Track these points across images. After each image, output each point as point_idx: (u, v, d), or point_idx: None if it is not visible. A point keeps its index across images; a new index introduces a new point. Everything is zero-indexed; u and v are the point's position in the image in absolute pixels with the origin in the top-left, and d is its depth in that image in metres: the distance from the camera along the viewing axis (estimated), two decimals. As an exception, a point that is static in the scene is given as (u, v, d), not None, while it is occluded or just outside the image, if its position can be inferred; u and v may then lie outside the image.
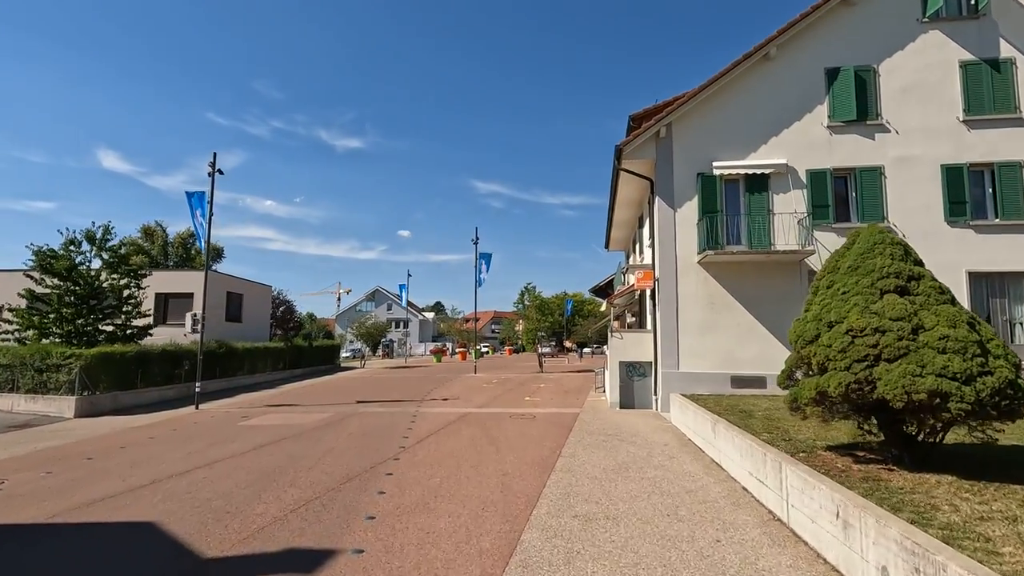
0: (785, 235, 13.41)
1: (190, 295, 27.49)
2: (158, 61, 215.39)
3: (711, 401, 11.11)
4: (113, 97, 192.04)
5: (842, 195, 13.78)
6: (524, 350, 72.63)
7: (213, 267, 58.55)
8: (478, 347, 71.12)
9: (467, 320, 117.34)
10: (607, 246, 28.08)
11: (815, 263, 13.37)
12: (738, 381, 13.37)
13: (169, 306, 27.92)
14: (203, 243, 16.56)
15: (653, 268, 14.34)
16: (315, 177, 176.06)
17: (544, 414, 13.75)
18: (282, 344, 28.04)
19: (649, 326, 16.25)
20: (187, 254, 53.53)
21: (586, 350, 69.96)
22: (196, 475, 7.89)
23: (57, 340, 18.73)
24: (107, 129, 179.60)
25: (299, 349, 29.94)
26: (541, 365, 29.61)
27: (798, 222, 13.41)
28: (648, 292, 16.65)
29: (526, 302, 28.37)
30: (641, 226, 18.58)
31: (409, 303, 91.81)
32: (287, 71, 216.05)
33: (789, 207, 13.58)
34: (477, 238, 28.83)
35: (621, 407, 14.44)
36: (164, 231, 53.66)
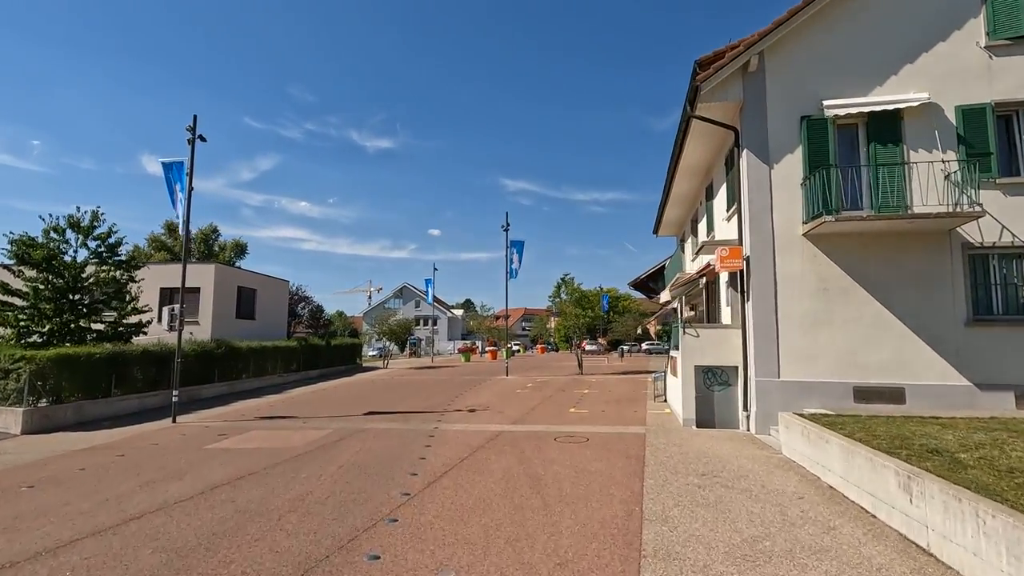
0: (923, 194, 9.87)
1: (196, 290, 25.29)
2: (198, 68, 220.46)
3: (847, 426, 7.73)
4: (156, 104, 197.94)
5: (1009, 139, 10.14)
6: (558, 348, 69.29)
7: (236, 263, 57.15)
8: (509, 345, 67.90)
9: (497, 317, 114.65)
10: (656, 231, 24.63)
11: (972, 233, 9.80)
12: (864, 394, 9.91)
13: (175, 301, 25.77)
14: (182, 222, 13.89)
15: (740, 244, 10.98)
16: (347, 178, 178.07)
17: (599, 435, 10.57)
18: (295, 343, 25.54)
19: (726, 319, 12.86)
20: (209, 250, 52.14)
21: (625, 348, 66.38)
22: (64, 558, 5.01)
23: (39, 340, 16.51)
24: (150, 135, 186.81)
25: (315, 349, 27.43)
26: (581, 366, 26.38)
27: (945, 177, 9.85)
28: (723, 278, 13.27)
29: (563, 295, 25.47)
30: (710, 197, 15.16)
31: (438, 300, 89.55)
32: (319, 75, 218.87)
33: (931, 157, 10.02)
34: (508, 224, 25.79)
35: (698, 425, 11.14)
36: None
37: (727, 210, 12.73)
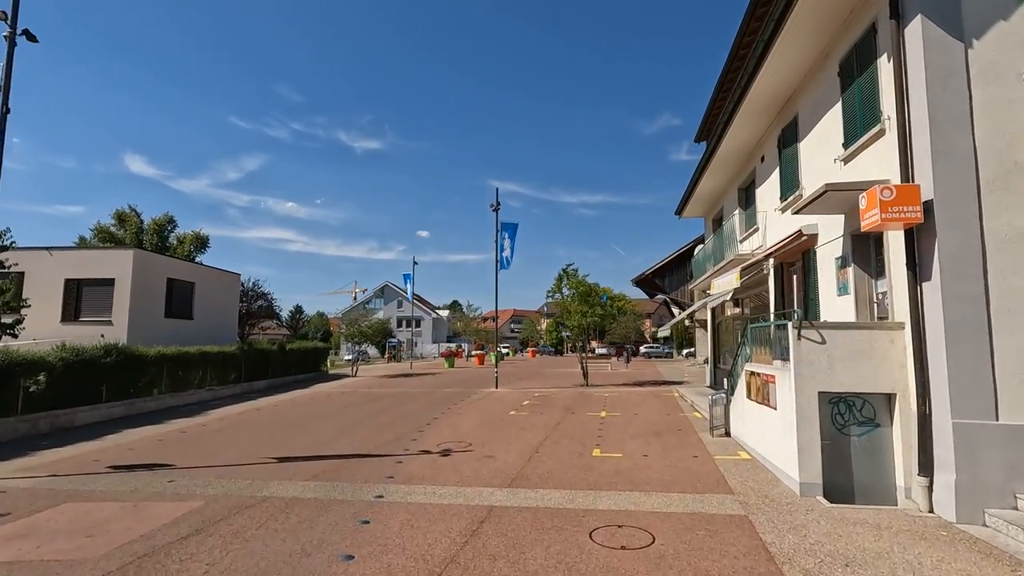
0: None
1: (110, 282, 20.30)
2: (183, 66, 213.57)
3: None
4: (140, 103, 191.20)
5: None
6: (559, 351, 64.50)
7: (197, 259, 51.85)
8: (498, 349, 62.66)
9: (485, 319, 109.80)
10: (681, 210, 20.12)
11: None
12: None
13: (83, 296, 20.75)
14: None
15: (906, 182, 6.37)
16: (335, 178, 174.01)
17: (667, 520, 5.90)
18: (234, 349, 20.60)
19: (832, 313, 8.30)
20: (163, 243, 46.77)
21: (641, 350, 62.02)
22: None
23: None
24: (134, 134, 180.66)
25: (262, 355, 22.49)
26: (586, 376, 21.73)
27: None
28: (825, 253, 8.72)
29: (564, 290, 21.17)
30: (792, 141, 10.53)
31: (422, 300, 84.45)
32: (307, 74, 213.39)
33: None
34: (497, 203, 21.11)
35: (827, 496, 6.52)
36: (139, 216, 46.98)
37: (850, 142, 8.11)
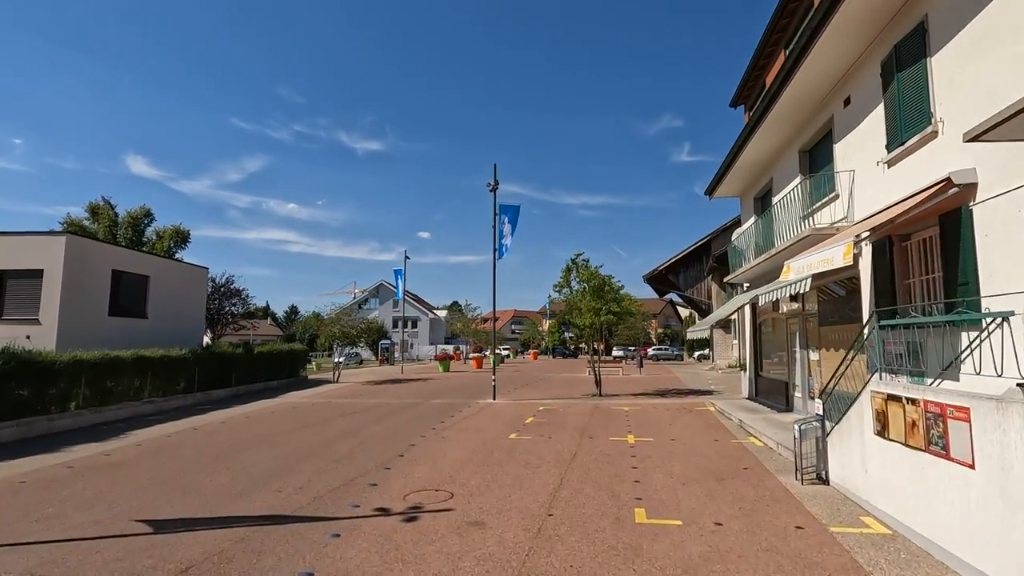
0: None
1: (37, 273, 17.21)
2: (185, 68, 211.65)
3: None
4: (142, 104, 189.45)
5: None
6: (567, 353, 61.22)
7: (177, 255, 49.05)
8: (497, 351, 58.28)
9: (484, 319, 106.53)
10: (712, 190, 16.99)
11: None
12: None
13: (7, 290, 17.62)
14: None
15: None
16: (336, 180, 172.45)
17: None
18: (185, 353, 17.47)
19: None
20: (138, 237, 43.68)
21: (621, 353, 58.38)
22: None
23: None
24: (136, 135, 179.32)
25: (223, 360, 19.37)
26: (599, 384, 18.53)
27: None
28: (965, 219, 5.55)
29: (573, 284, 18.22)
30: (908, 61, 7.34)
31: (419, 300, 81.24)
32: (309, 75, 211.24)
33: None
34: (496, 182, 17.98)
35: None
36: (112, 209, 43.91)
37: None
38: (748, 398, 15.99)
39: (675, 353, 54.78)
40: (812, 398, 11.11)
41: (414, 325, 72.03)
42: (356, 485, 7.41)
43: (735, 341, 31.06)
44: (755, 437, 10.40)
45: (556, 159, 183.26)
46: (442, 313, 73.02)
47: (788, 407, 12.81)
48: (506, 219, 17.87)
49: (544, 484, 7.36)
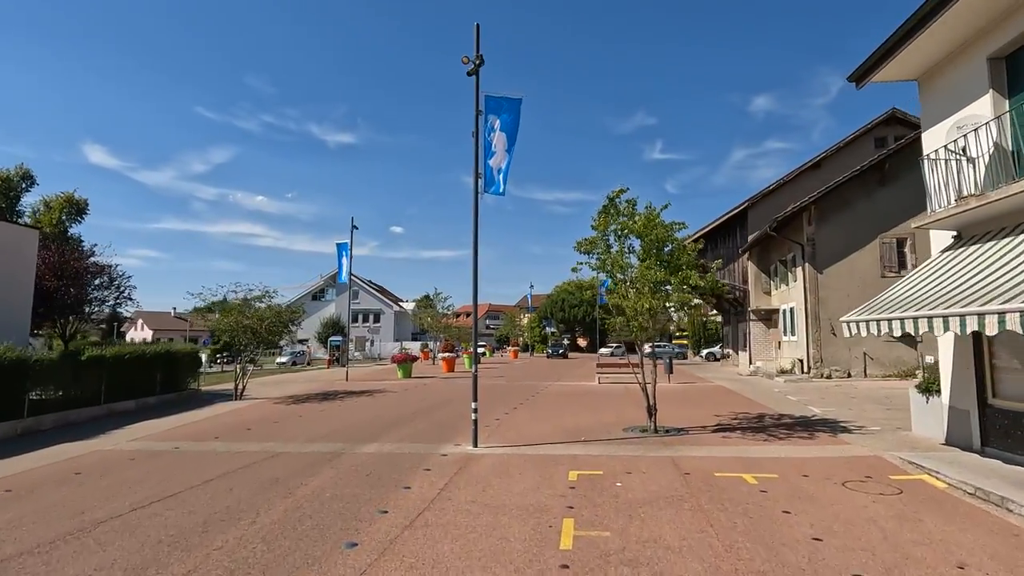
0: None
1: None
2: (147, 55, 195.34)
3: None
4: (101, 91, 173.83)
5: None
6: (559, 351, 53.20)
7: (73, 231, 40.27)
8: (474, 348, 48.73)
9: (458, 315, 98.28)
10: (869, 71, 9.45)
11: None
12: None
13: None
14: None
15: None
16: (307, 173, 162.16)
17: None
18: None
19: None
20: (11, 205, 34.20)
21: (606, 351, 50.49)
22: None
23: None
24: (94, 123, 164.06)
25: (15, 370, 11.04)
26: (653, 411, 10.79)
27: None
28: None
29: (612, 242, 11.13)
30: None
31: (383, 291, 72.46)
32: (279, 66, 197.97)
33: None
34: (480, 57, 10.07)
35: None
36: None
37: None
38: (953, 443, 8.61)
39: (677, 351, 47.64)
40: None
41: (376, 319, 63.55)
42: None
43: (787, 338, 23.88)
44: None
45: (531, 155, 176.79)
46: (409, 306, 64.57)
47: None
48: (497, 122, 10.05)
49: None
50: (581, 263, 10.94)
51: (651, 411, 10.87)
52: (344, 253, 25.76)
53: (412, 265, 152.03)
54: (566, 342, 76.28)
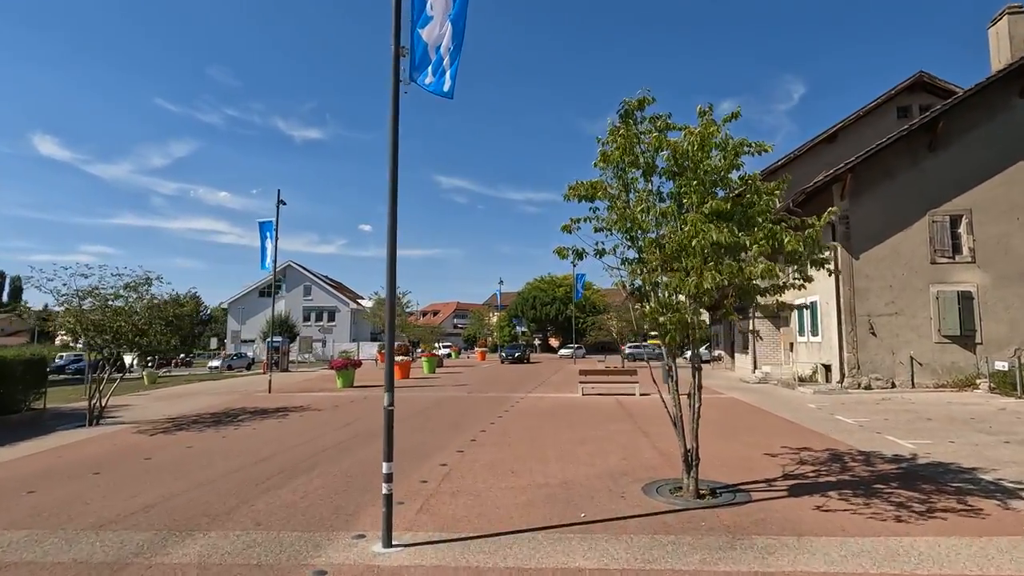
0: None
1: None
2: (103, 42, 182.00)
3: None
4: (53, 78, 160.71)
5: None
6: (516, 353, 48.55)
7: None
8: (437, 350, 42.47)
9: (424, 313, 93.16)
10: None
11: None
12: None
13: None
14: None
15: None
16: (272, 168, 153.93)
17: None
18: None
19: None
20: None
21: (567, 351, 46.77)
22: None
23: None
24: (44, 113, 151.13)
25: None
26: (691, 459, 6.67)
27: None
28: None
29: (644, 157, 6.99)
30: None
31: (339, 286, 66.90)
32: (244, 57, 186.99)
33: None
34: None
35: None
36: None
37: None
38: None
39: (656, 351, 43.99)
40: None
41: (331, 317, 58.21)
42: None
43: (804, 339, 20.15)
44: None
45: (503, 155, 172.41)
46: (368, 303, 59.44)
47: None
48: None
49: None
50: (578, 219, 6.68)
51: (689, 461, 6.70)
52: (268, 235, 20.93)
53: (381, 264, 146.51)
54: (537, 342, 72.18)
